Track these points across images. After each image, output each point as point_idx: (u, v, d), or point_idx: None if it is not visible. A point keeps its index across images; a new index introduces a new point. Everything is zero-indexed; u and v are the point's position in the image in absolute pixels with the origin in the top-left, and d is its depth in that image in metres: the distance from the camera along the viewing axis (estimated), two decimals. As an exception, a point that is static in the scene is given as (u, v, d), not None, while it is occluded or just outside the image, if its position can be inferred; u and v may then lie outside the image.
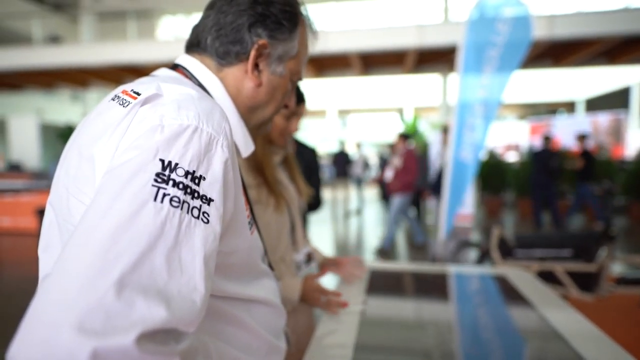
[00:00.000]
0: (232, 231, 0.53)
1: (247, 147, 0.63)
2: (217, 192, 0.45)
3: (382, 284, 1.47)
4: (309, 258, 1.12)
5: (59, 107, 15.84)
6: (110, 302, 0.33)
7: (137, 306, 0.33)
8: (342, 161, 8.34)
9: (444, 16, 8.65)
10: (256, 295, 0.61)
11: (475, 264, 3.19)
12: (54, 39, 9.52)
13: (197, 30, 0.62)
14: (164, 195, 0.40)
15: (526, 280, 1.45)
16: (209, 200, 0.44)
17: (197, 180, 0.43)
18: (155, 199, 0.39)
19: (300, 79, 0.69)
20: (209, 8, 0.61)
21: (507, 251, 2.79)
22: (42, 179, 6.59)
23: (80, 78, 10.07)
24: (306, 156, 1.97)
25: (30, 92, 12.22)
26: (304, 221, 1.22)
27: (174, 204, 0.40)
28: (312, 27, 0.67)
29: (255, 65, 0.60)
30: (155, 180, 0.40)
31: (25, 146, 8.01)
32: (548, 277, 2.60)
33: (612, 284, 2.63)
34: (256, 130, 0.68)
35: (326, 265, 1.24)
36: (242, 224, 0.55)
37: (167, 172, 0.41)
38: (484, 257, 3.17)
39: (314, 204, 2.01)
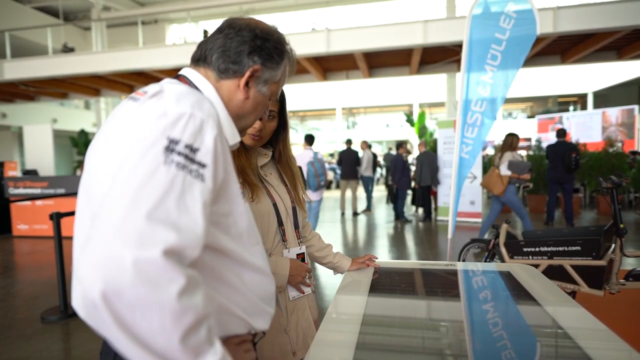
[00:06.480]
0: (224, 195, 0.67)
1: (233, 137, 0.77)
2: (210, 159, 0.61)
3: (388, 280, 1.51)
4: (302, 260, 1.14)
5: (72, 115, 16.23)
6: (142, 228, 0.50)
7: (159, 231, 0.51)
8: (350, 160, 7.97)
9: (450, 13, 8.61)
10: (251, 260, 0.72)
11: (484, 261, 3.21)
12: (67, 50, 9.76)
13: (205, 47, 0.78)
14: (171, 161, 0.56)
15: (530, 275, 1.47)
16: (203, 165, 0.60)
17: (194, 151, 0.59)
18: (165, 164, 0.56)
19: (276, 98, 0.90)
20: (218, 32, 0.79)
21: (515, 248, 2.80)
22: (60, 185, 6.78)
23: (92, 86, 10.28)
24: None
25: (45, 101, 12.51)
26: (295, 223, 1.21)
27: (179, 167, 0.57)
28: (292, 61, 0.85)
29: (246, 83, 0.77)
30: (165, 151, 0.57)
31: (41, 154, 8.23)
32: (558, 274, 2.60)
33: (622, 279, 2.62)
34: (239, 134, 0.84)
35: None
36: (235, 191, 0.70)
37: (172, 145, 0.57)
38: (492, 254, 3.18)
39: None
